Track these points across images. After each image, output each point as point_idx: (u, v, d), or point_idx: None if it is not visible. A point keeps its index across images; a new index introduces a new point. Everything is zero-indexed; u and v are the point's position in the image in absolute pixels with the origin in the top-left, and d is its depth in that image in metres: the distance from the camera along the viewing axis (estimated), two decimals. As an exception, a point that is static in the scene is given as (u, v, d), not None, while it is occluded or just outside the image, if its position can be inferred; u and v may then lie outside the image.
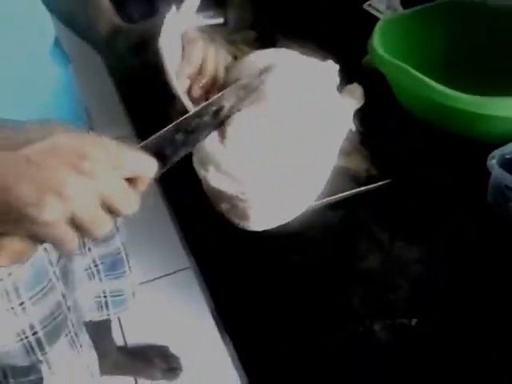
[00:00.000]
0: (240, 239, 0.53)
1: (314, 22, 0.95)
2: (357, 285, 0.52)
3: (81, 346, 0.77)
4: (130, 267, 0.93)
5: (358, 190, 0.61)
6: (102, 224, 0.34)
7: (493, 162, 0.58)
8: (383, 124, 0.69)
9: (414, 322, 0.47)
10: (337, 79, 0.57)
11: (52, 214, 0.32)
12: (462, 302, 0.50)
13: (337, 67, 0.56)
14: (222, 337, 0.51)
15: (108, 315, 0.94)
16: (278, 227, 0.50)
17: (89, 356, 0.81)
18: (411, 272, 0.53)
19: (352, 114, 0.57)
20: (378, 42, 0.66)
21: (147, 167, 0.37)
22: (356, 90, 0.59)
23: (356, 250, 0.56)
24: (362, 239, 0.57)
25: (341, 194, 0.60)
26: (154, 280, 1.45)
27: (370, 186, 0.61)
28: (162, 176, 0.39)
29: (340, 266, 0.54)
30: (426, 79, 0.58)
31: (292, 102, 0.51)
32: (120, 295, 0.93)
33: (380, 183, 0.61)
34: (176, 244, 0.62)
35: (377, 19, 0.95)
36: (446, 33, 0.73)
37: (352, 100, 0.58)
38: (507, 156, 0.59)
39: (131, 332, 1.34)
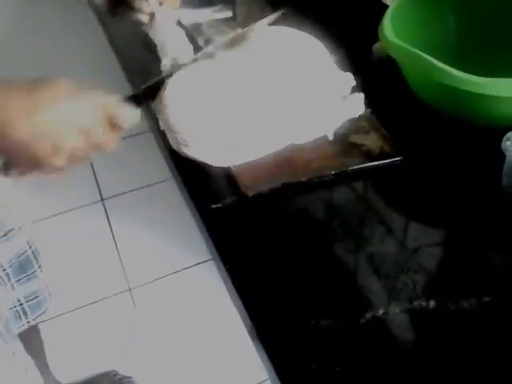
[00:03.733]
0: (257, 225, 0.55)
1: (323, 10, 0.95)
2: (369, 267, 0.53)
3: (13, 354, 0.73)
4: (40, 265, 0.89)
5: (369, 164, 0.62)
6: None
7: (508, 143, 0.57)
8: (395, 110, 0.69)
9: (432, 304, 0.47)
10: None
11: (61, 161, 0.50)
12: (477, 284, 0.50)
13: (353, 82, 0.64)
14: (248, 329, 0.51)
15: (28, 323, 0.89)
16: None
17: (26, 362, 0.77)
18: (424, 254, 0.53)
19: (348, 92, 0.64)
20: (388, 27, 0.66)
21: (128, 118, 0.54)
22: (358, 98, 0.63)
23: (367, 230, 0.57)
24: (374, 218, 0.58)
25: (351, 168, 0.61)
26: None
27: (380, 162, 0.62)
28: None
29: (350, 245, 0.55)
30: (438, 63, 0.58)
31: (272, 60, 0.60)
32: (36, 297, 0.89)
33: (391, 160, 0.62)
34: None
35: (384, 5, 0.95)
36: (458, 17, 0.72)
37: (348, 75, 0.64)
38: (522, 138, 0.58)
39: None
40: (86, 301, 1.37)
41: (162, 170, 1.38)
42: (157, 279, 1.43)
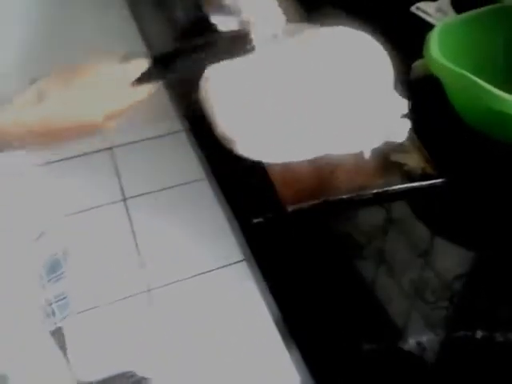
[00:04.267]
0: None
1: (361, 24, 0.95)
2: (410, 291, 0.52)
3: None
4: (67, 267, 0.90)
5: (411, 184, 0.61)
6: None
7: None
8: (437, 131, 0.68)
9: (478, 334, 0.46)
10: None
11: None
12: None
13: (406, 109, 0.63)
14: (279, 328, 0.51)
15: (55, 323, 0.91)
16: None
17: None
18: (467, 281, 0.53)
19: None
20: (435, 47, 0.65)
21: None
22: (405, 125, 0.63)
23: (407, 253, 0.56)
24: (414, 241, 0.58)
25: (393, 187, 0.61)
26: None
27: (422, 183, 0.61)
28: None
29: (390, 268, 0.54)
30: (489, 87, 0.57)
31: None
32: (63, 298, 0.91)
33: (433, 181, 0.61)
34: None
35: (425, 22, 0.95)
36: (506, 38, 0.71)
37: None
38: None
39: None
40: (105, 300, 1.38)
41: (186, 171, 1.40)
42: (178, 281, 1.43)
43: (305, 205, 0.59)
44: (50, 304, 0.89)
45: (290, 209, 0.58)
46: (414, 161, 0.64)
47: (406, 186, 0.61)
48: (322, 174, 0.61)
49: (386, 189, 0.60)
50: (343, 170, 0.62)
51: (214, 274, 1.43)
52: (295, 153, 0.60)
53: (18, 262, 0.76)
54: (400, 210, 0.61)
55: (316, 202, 0.59)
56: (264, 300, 0.55)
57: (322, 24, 0.70)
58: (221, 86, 0.60)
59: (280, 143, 0.59)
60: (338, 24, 0.68)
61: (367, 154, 0.62)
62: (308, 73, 0.59)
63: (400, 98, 0.63)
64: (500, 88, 0.57)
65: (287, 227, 0.58)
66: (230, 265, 1.42)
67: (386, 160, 0.64)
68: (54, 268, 0.87)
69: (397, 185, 0.61)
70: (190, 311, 1.36)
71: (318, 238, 0.57)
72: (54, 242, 0.85)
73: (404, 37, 0.90)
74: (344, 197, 0.60)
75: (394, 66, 0.67)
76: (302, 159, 0.60)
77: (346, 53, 0.61)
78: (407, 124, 0.62)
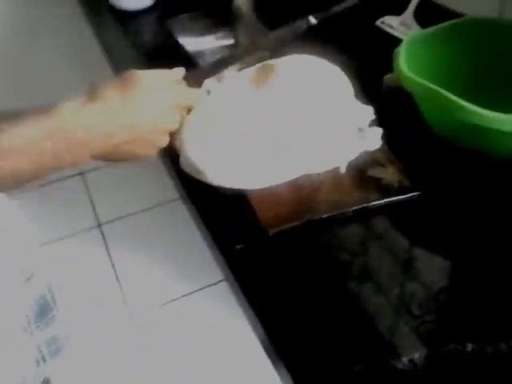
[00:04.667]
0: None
1: (327, 40, 0.96)
2: (387, 309, 0.52)
3: None
4: (57, 309, 0.84)
5: (389, 199, 0.61)
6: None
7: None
8: (410, 142, 0.69)
9: (469, 347, 0.46)
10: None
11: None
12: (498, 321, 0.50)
13: (372, 115, 0.63)
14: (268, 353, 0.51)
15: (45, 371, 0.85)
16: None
17: None
18: (451, 294, 0.53)
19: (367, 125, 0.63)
20: (403, 61, 0.66)
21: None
22: (376, 132, 0.63)
23: (392, 268, 0.56)
24: (397, 255, 0.58)
25: (372, 203, 0.61)
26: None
27: (399, 197, 0.61)
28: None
29: (375, 284, 0.54)
30: (458, 100, 0.58)
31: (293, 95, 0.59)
32: (54, 342, 0.85)
33: (410, 194, 0.62)
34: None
35: (390, 36, 0.97)
36: (472, 52, 0.73)
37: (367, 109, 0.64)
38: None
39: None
40: (85, 328, 1.34)
41: (162, 192, 1.39)
42: (159, 305, 1.40)
43: (285, 227, 0.58)
44: (41, 351, 0.83)
45: (271, 232, 0.58)
46: (390, 174, 0.64)
47: (384, 200, 0.61)
48: (300, 194, 0.61)
49: (365, 205, 0.61)
50: (321, 188, 0.62)
51: (196, 296, 1.42)
52: (272, 177, 0.59)
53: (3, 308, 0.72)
54: (381, 224, 0.61)
55: (296, 223, 0.59)
56: (249, 321, 0.54)
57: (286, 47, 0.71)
58: (190, 116, 0.59)
59: (256, 170, 0.58)
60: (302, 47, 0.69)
61: (343, 169, 0.62)
62: (274, 99, 0.59)
63: (364, 106, 0.63)
64: (466, 99, 0.58)
65: (269, 250, 0.57)
66: (211, 285, 1.41)
67: (363, 175, 0.64)
68: (43, 312, 0.81)
69: (375, 200, 0.61)
70: (173, 335, 1.33)
71: (301, 259, 0.57)
72: (40, 282, 0.82)
73: (371, 50, 0.91)
74: (324, 216, 0.59)
75: (362, 79, 0.68)
76: (279, 183, 0.59)
77: (305, 77, 0.62)
78: (379, 131, 0.63)
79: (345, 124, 0.62)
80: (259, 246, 0.57)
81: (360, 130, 0.64)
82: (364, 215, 0.61)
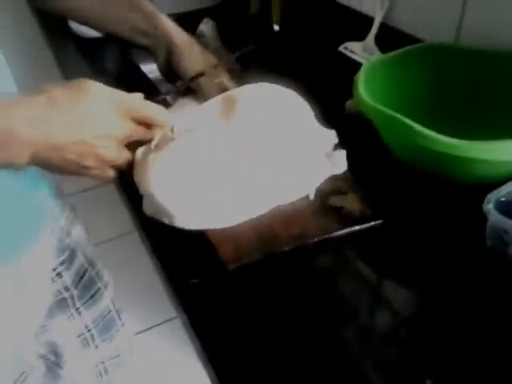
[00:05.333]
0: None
1: (290, 64, 0.96)
2: (350, 336, 0.50)
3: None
4: (122, 324, 0.88)
5: (351, 229, 0.60)
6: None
7: (489, 206, 0.57)
8: (372, 168, 0.68)
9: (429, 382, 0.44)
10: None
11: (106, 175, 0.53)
12: (475, 348, 0.48)
13: (336, 139, 0.63)
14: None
15: (108, 381, 0.88)
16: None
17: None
18: (417, 322, 0.51)
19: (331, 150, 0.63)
20: (362, 86, 0.66)
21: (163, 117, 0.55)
22: (341, 155, 0.63)
23: (356, 298, 0.55)
24: (353, 283, 0.56)
25: (334, 233, 0.59)
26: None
27: (362, 226, 0.60)
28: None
29: (341, 316, 0.52)
30: (416, 126, 0.57)
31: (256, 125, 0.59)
32: (117, 356, 0.88)
33: (372, 223, 0.60)
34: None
35: (353, 61, 0.97)
36: (430, 76, 0.73)
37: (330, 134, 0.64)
38: (502, 199, 0.58)
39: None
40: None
41: (115, 225, 1.33)
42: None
43: (246, 261, 0.56)
44: (103, 362, 0.85)
45: (230, 267, 0.55)
46: (351, 203, 0.63)
47: (346, 230, 0.60)
48: (260, 227, 0.59)
49: (326, 236, 0.59)
50: (281, 220, 0.60)
51: (148, 334, 1.37)
52: (243, 214, 0.57)
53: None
54: (344, 254, 0.59)
55: (257, 257, 0.56)
56: (200, 360, 0.51)
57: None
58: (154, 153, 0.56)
59: (226, 209, 0.56)
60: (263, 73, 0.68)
61: (312, 196, 0.60)
62: (238, 131, 0.58)
63: (327, 130, 0.63)
64: (425, 124, 0.58)
65: (227, 286, 0.55)
66: (163, 323, 1.37)
67: (324, 205, 0.62)
68: (108, 327, 0.85)
69: (337, 229, 0.60)
70: (122, 376, 1.29)
71: (261, 294, 0.54)
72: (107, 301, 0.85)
73: (334, 76, 0.91)
74: (285, 249, 0.57)
75: (325, 105, 0.67)
76: (250, 218, 0.57)
77: (266, 106, 0.61)
78: (343, 153, 0.62)
79: (310, 149, 0.61)
80: (217, 281, 0.55)
81: (326, 154, 0.63)
82: (326, 246, 0.59)
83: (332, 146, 0.64)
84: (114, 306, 0.86)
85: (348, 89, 0.70)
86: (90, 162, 0.50)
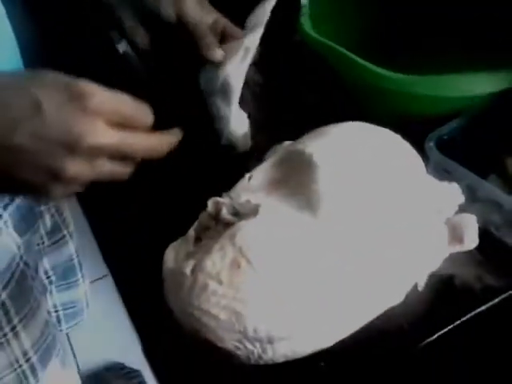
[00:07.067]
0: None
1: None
2: None
3: (70, 365, 0.73)
4: (83, 275, 0.86)
5: (475, 311, 0.44)
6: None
7: (430, 144, 0.55)
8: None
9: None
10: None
11: (56, 195, 0.36)
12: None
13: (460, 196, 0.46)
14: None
15: (60, 331, 0.87)
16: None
17: (74, 366, 0.78)
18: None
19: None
20: (306, 20, 0.62)
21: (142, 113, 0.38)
22: (470, 225, 0.46)
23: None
24: None
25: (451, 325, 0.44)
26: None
27: (488, 304, 0.44)
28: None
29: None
30: (359, 60, 0.54)
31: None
32: (72, 307, 0.86)
33: (501, 297, 0.44)
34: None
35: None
36: (378, 9, 0.69)
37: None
38: (445, 137, 0.56)
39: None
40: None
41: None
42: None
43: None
44: (57, 311, 0.83)
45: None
46: (463, 267, 0.48)
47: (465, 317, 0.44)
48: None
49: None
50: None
51: None
52: (351, 325, 0.43)
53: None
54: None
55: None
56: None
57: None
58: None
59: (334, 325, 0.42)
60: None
61: (422, 285, 0.44)
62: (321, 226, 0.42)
63: (446, 185, 0.47)
64: (373, 61, 0.55)
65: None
66: None
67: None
68: (66, 274, 0.82)
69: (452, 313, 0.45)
70: None
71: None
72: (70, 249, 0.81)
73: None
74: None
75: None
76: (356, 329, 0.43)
77: (360, 171, 0.44)
78: (472, 220, 0.46)
79: (427, 219, 0.44)
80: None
81: (448, 222, 0.46)
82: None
83: (455, 209, 0.47)
84: (77, 255, 0.84)
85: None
86: (29, 175, 0.35)
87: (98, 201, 0.56)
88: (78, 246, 0.84)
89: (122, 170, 0.38)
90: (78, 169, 0.35)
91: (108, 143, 0.35)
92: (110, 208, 0.55)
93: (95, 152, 0.35)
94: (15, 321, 0.57)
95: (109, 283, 1.31)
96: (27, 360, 0.60)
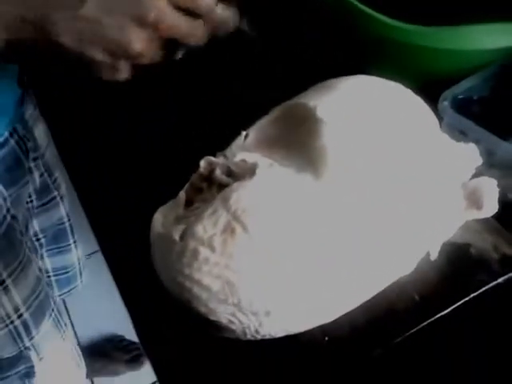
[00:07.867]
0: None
1: None
2: None
3: (65, 325, 0.71)
4: (75, 241, 0.83)
5: (492, 283, 0.42)
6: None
7: (445, 103, 0.50)
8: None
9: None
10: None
11: (124, 73, 0.36)
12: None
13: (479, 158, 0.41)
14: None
15: (53, 298, 0.85)
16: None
17: (72, 337, 0.76)
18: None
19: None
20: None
21: None
22: (489, 188, 0.41)
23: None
24: None
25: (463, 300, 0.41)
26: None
27: (506, 276, 0.42)
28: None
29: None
30: (366, 9, 0.50)
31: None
32: (65, 273, 0.84)
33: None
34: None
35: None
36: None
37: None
38: (460, 96, 0.52)
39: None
40: None
41: None
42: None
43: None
44: (48, 276, 0.80)
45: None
46: (479, 236, 0.46)
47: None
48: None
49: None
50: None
51: None
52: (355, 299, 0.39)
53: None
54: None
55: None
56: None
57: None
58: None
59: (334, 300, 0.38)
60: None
61: (435, 255, 0.41)
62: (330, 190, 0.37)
63: (463, 145, 0.42)
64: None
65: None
66: None
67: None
68: (57, 238, 0.79)
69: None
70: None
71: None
72: (61, 212, 0.79)
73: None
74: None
75: None
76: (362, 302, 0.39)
77: (370, 125, 0.38)
78: (492, 184, 0.41)
79: (443, 183, 0.40)
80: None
81: (464, 186, 0.41)
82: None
83: (472, 172, 0.42)
84: (68, 219, 0.80)
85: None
86: (92, 50, 0.34)
87: (88, 173, 0.53)
88: (70, 210, 0.81)
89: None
90: (144, 44, 0.35)
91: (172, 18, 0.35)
92: (99, 175, 0.51)
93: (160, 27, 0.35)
94: (4, 275, 0.56)
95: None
96: (19, 316, 0.59)
